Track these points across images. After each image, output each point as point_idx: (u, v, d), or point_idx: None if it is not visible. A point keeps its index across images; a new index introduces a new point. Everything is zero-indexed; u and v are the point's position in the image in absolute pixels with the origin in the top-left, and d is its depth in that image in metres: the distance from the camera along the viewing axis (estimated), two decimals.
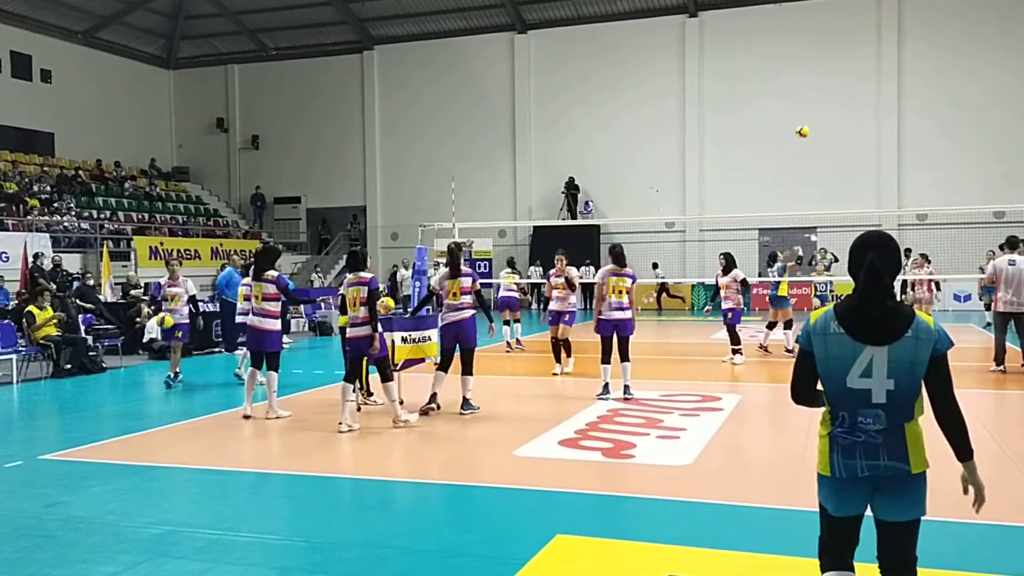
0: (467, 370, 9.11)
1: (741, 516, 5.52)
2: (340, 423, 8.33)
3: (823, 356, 3.04)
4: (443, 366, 9.22)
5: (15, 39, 27.44)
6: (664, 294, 27.12)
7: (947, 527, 5.27)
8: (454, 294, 9.03)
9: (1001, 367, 11.57)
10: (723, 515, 5.53)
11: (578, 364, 12.74)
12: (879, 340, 2.94)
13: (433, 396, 9.17)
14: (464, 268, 9.22)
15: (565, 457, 7.21)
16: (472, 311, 9.13)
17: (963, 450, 3.05)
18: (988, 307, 18.92)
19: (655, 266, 26.28)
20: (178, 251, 23.89)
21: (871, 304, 2.95)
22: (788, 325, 14.30)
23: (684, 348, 16.75)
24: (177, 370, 11.83)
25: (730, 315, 13.11)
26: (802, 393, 3.20)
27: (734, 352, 13.06)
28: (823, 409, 3.15)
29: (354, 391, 9.80)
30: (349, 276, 8.61)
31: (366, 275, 8.52)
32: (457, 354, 9.12)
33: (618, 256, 9.92)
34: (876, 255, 2.96)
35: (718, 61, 27.52)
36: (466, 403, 9.13)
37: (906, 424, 3.00)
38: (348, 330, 8.61)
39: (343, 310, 8.70)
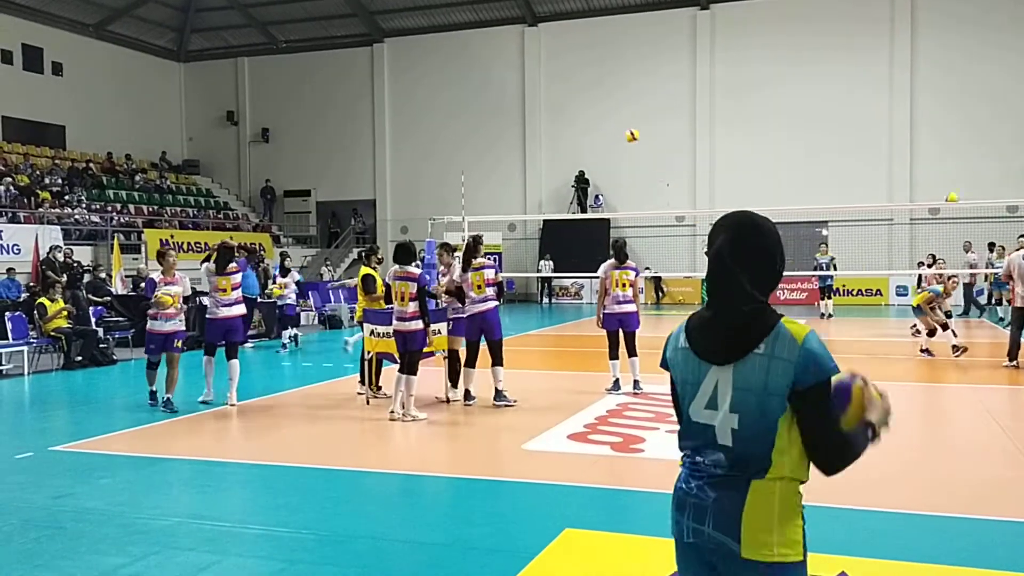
0: (497, 361, 9.11)
1: None
2: (404, 414, 8.48)
3: (676, 379, 2.29)
4: (470, 362, 9.24)
5: (27, 32, 27.52)
6: (659, 292, 27.11)
7: (958, 523, 5.23)
8: (478, 287, 9.06)
9: (1014, 363, 11.50)
10: None
11: (586, 358, 12.71)
12: (721, 358, 2.14)
13: (467, 393, 9.24)
14: (486, 260, 9.24)
15: (574, 451, 7.20)
16: (495, 303, 9.16)
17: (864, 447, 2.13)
18: (999, 302, 18.83)
19: (647, 269, 26.16)
20: (188, 244, 23.94)
21: (715, 308, 2.18)
22: None
23: None
24: (170, 395, 9.42)
25: None
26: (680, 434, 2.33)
27: None
28: None
29: (365, 385, 9.84)
30: (396, 269, 8.53)
31: (414, 270, 8.51)
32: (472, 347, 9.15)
33: (620, 251, 9.89)
34: (726, 242, 2.17)
35: (729, 55, 27.37)
36: (499, 395, 9.13)
37: (754, 482, 2.10)
38: (394, 323, 8.59)
39: (388, 300, 8.72)
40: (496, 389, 9.15)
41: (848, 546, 4.59)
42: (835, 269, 20.71)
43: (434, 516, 5.63)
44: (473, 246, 9.25)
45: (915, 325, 16.87)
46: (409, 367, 8.47)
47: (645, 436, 7.57)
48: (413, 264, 8.62)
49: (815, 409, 2.07)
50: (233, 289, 9.72)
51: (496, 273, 9.22)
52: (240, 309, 9.82)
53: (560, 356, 13.98)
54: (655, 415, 8.51)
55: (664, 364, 2.35)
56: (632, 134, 14.38)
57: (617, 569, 4.54)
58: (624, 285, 9.73)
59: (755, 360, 2.09)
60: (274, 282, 16.59)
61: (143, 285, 17.66)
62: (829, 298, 20.50)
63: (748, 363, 2.10)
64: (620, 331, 9.77)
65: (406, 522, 5.42)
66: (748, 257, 2.14)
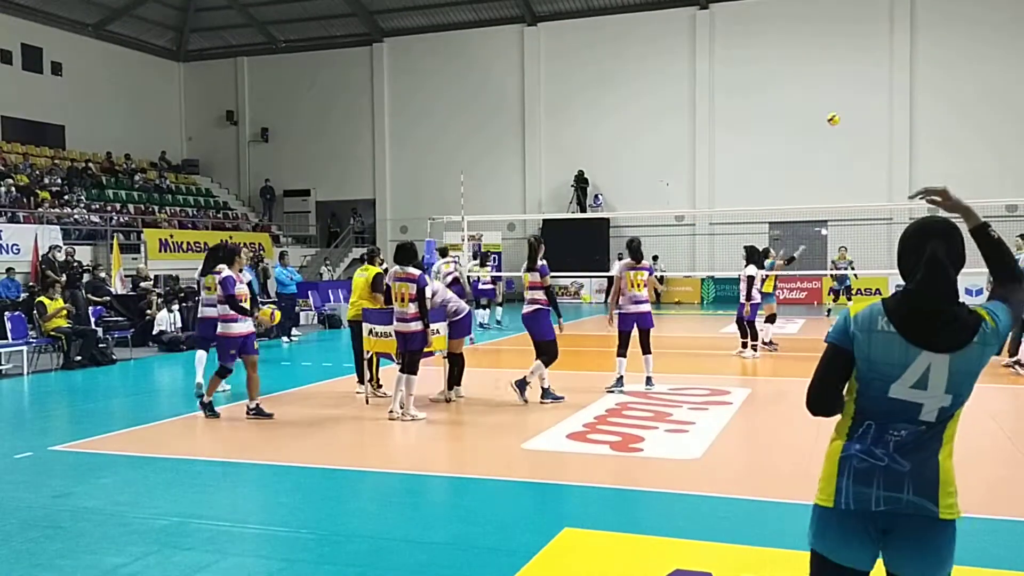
0: (548, 362, 9.24)
1: (750, 510, 5.50)
2: (403, 413, 8.49)
3: (864, 356, 2.43)
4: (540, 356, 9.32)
5: (26, 32, 27.52)
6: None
7: (961, 523, 5.23)
8: (527, 287, 9.28)
9: (1015, 361, 11.48)
10: (732, 509, 5.51)
11: (586, 358, 12.72)
12: (940, 346, 2.35)
13: (545, 389, 9.30)
14: (538, 263, 9.31)
15: (573, 450, 7.20)
16: (542, 305, 9.24)
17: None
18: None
19: (655, 258, 26.20)
20: (187, 243, 23.96)
21: (931, 303, 2.39)
22: (771, 319, 14.23)
23: (693, 342, 16.69)
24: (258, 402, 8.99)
25: (744, 309, 13.03)
26: (823, 399, 2.52)
27: (743, 346, 13.01)
28: (836, 419, 2.55)
29: (364, 384, 9.85)
30: (396, 269, 8.57)
31: (414, 271, 8.52)
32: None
33: (635, 251, 9.98)
34: (940, 245, 2.44)
35: (729, 54, 27.37)
36: (546, 392, 9.25)
37: (939, 454, 2.40)
38: (395, 324, 8.60)
39: (387, 301, 8.73)
40: (543, 388, 9.26)
41: None
42: (855, 275, 20.30)
43: (433, 515, 5.64)
44: (536, 246, 9.42)
45: None
46: (409, 367, 8.47)
47: (644, 435, 7.57)
48: (413, 265, 8.63)
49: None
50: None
51: (543, 276, 9.31)
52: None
53: (559, 355, 13.96)
54: (654, 414, 8.51)
55: (841, 339, 2.50)
56: (834, 118, 14.94)
57: (616, 568, 4.54)
58: (639, 285, 9.89)
59: (972, 350, 2.36)
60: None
61: (143, 284, 17.75)
62: (850, 299, 19.76)
63: (966, 353, 2.36)
64: (635, 330, 9.90)
65: (405, 521, 5.42)
66: (958, 260, 2.45)
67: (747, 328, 13.02)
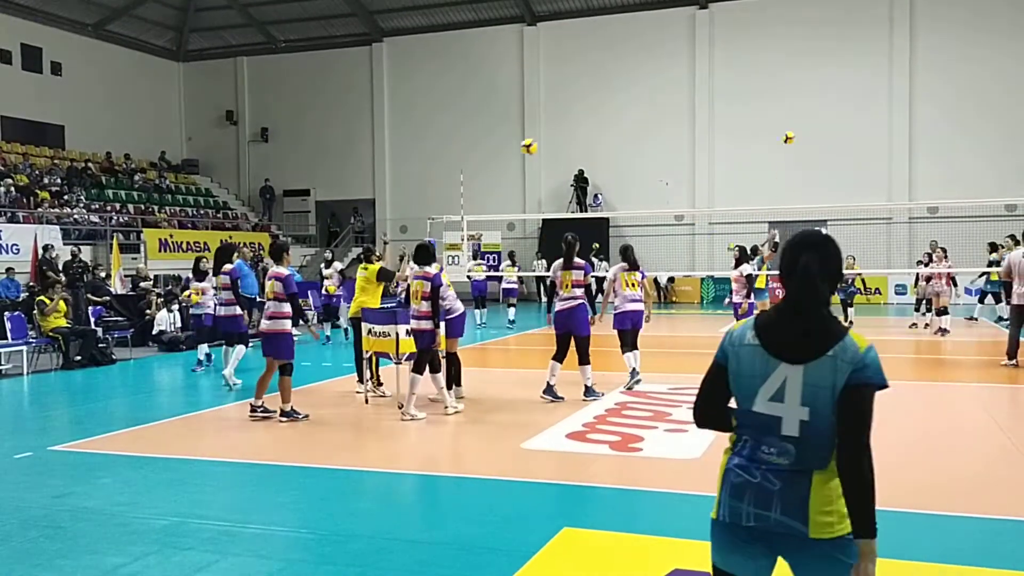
0: (583, 359, 9.38)
1: None
2: (446, 407, 8.69)
3: (734, 371, 2.48)
4: (559, 356, 9.45)
5: (26, 32, 27.51)
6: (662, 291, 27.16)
7: (956, 522, 5.24)
8: (566, 285, 9.39)
9: (1013, 361, 11.50)
10: None
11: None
12: (795, 357, 2.37)
13: (549, 387, 9.40)
14: (577, 261, 9.51)
15: (573, 450, 7.21)
16: (582, 301, 9.41)
17: (862, 521, 2.31)
18: (997, 299, 18.81)
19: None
20: (187, 243, 23.96)
21: (797, 313, 2.40)
22: None
23: (693, 341, 16.69)
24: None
25: (741, 308, 13.04)
26: (703, 413, 2.60)
27: None
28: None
29: (364, 384, 9.85)
30: (415, 268, 8.73)
31: (431, 270, 8.62)
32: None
33: (630, 258, 10.38)
34: (812, 258, 2.42)
35: (728, 53, 27.38)
36: (588, 390, 9.36)
37: (816, 473, 2.36)
38: (411, 322, 8.65)
39: (407, 302, 8.81)
40: (585, 386, 9.37)
41: None
42: (863, 285, 19.05)
43: (433, 515, 5.64)
44: (574, 244, 9.55)
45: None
46: (416, 365, 8.54)
47: (643, 435, 7.57)
48: (432, 264, 8.74)
49: (857, 406, 2.33)
50: (224, 290, 11.13)
51: (586, 275, 9.52)
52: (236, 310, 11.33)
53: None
54: (653, 414, 8.51)
55: (719, 355, 2.55)
56: (528, 147, 15.13)
57: (616, 568, 4.55)
58: (634, 285, 10.19)
59: (825, 362, 2.34)
60: (185, 287, 14.31)
61: (143, 284, 17.72)
62: (850, 306, 18.50)
63: (820, 363, 2.35)
64: (631, 327, 10.11)
65: (405, 521, 5.42)
66: (829, 273, 2.43)
67: None
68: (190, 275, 13.63)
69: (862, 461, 2.30)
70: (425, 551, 4.80)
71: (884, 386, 2.34)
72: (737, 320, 13.03)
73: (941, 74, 25.52)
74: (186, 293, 14.46)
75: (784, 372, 2.37)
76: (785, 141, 15.69)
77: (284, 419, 8.52)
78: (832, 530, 2.33)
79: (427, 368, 8.57)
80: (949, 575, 4.33)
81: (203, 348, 12.74)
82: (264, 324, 8.67)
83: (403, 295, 10.26)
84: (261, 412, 8.68)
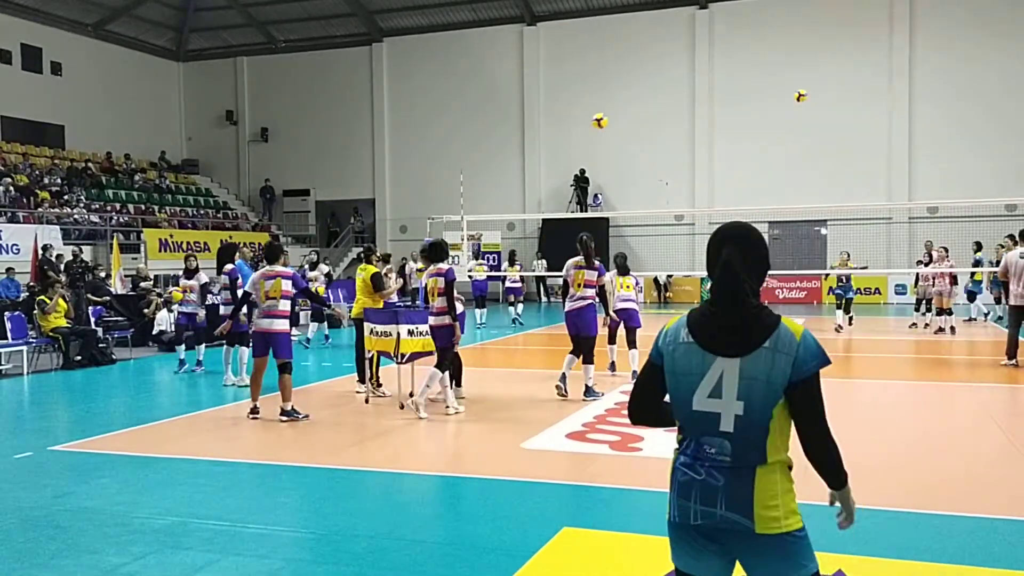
0: (587, 358, 9.44)
1: None
2: (447, 407, 8.75)
3: (671, 370, 2.46)
4: (576, 351, 9.56)
5: (26, 32, 27.52)
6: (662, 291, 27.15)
7: (956, 521, 5.24)
8: (578, 284, 9.46)
9: (1013, 361, 11.50)
10: None
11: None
12: (730, 351, 2.35)
13: (563, 377, 9.54)
14: (594, 262, 9.60)
15: (572, 450, 7.21)
16: (591, 302, 9.46)
17: (835, 480, 2.48)
18: (998, 300, 18.82)
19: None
20: (187, 243, 23.96)
21: (725, 308, 2.38)
22: None
23: None
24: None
25: None
26: (637, 410, 2.61)
27: None
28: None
29: (364, 384, 9.85)
30: (430, 267, 8.84)
31: (444, 266, 8.74)
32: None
33: (622, 267, 10.92)
34: (733, 251, 2.41)
35: (728, 53, 27.38)
36: (589, 390, 9.43)
37: (758, 467, 2.36)
38: (429, 319, 8.73)
39: (425, 301, 8.89)
40: (586, 385, 9.44)
41: (845, 544, 4.58)
42: (851, 288, 17.36)
43: (432, 515, 5.64)
44: (588, 244, 9.63)
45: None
46: (438, 360, 8.65)
47: (643, 435, 7.57)
48: (444, 261, 8.86)
49: (807, 397, 2.36)
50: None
51: (599, 276, 9.60)
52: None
53: (558, 355, 13.97)
54: None
55: (653, 354, 2.54)
56: (599, 122, 15.13)
57: (615, 568, 4.55)
58: (628, 287, 10.82)
59: (762, 354, 2.34)
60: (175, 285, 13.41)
61: (143, 284, 17.71)
62: (849, 311, 16.95)
63: (755, 356, 2.34)
64: (621, 324, 10.60)
65: (404, 521, 5.42)
66: (753, 265, 2.42)
67: None
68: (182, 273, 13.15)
69: (827, 445, 2.40)
70: (425, 551, 4.80)
71: (826, 365, 2.36)
72: None
73: (941, 74, 25.52)
74: (171, 290, 13.52)
75: (721, 367, 2.36)
76: (798, 99, 15.72)
77: (284, 418, 8.51)
78: (779, 525, 2.34)
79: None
80: (948, 575, 4.33)
81: (181, 348, 12.63)
82: (263, 323, 8.60)
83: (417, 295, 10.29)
84: (252, 414, 8.72)
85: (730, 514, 2.35)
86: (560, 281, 27.61)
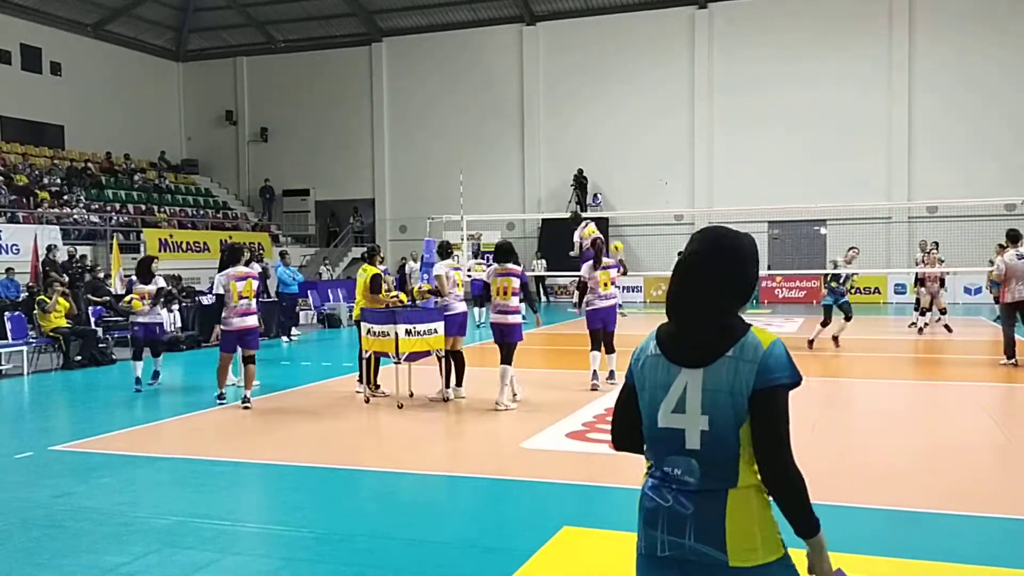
0: (612, 349, 10.27)
1: None
2: (497, 403, 8.96)
3: (640, 385, 2.28)
4: (595, 346, 10.19)
5: (25, 32, 27.50)
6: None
7: (955, 521, 5.25)
8: (605, 283, 10.12)
9: (1012, 360, 11.50)
10: None
11: (584, 357, 12.68)
12: (693, 360, 2.16)
13: (594, 373, 10.06)
14: (609, 260, 10.35)
15: (572, 449, 7.22)
16: (616, 300, 10.35)
17: (801, 524, 2.12)
18: (997, 300, 18.82)
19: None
20: (187, 243, 23.97)
21: (688, 318, 2.20)
22: None
23: None
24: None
25: None
26: (617, 434, 2.41)
27: None
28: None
29: (364, 384, 9.86)
30: (496, 267, 9.30)
31: (515, 267, 9.25)
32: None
33: (597, 254, 10.99)
34: (695, 252, 2.22)
35: (727, 54, 27.37)
36: (613, 374, 10.24)
37: (730, 491, 2.12)
38: (493, 315, 9.18)
39: (487, 299, 9.42)
40: (611, 371, 10.21)
41: (845, 544, 4.59)
42: (850, 287, 14.95)
43: (433, 514, 5.65)
44: (602, 246, 10.49)
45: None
46: (508, 358, 9.02)
47: None
48: (512, 261, 9.27)
49: (766, 414, 2.10)
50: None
51: (618, 272, 10.46)
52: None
53: (558, 354, 13.98)
54: None
55: (628, 374, 2.36)
56: None
57: (615, 567, 4.55)
58: (606, 285, 10.92)
59: (725, 363, 2.12)
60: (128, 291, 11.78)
61: (256, 274, 17.14)
62: (849, 318, 13.89)
63: (718, 365, 2.13)
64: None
65: (405, 520, 5.43)
66: (717, 267, 2.19)
67: None
68: (133, 276, 11.53)
69: (786, 478, 2.09)
70: (425, 550, 4.81)
71: (795, 383, 2.12)
72: None
73: (941, 70, 25.49)
74: (128, 298, 11.40)
75: (684, 379, 2.16)
76: None
77: (247, 405, 9.21)
78: (755, 557, 2.09)
79: (458, 365, 9.45)
80: (947, 574, 4.34)
81: (139, 365, 10.95)
82: (236, 322, 9.33)
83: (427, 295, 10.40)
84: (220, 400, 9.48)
85: (699, 545, 2.10)
86: (560, 280, 27.70)
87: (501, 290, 9.19)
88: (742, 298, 2.23)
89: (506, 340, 9.09)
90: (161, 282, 11.49)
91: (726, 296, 2.19)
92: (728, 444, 2.11)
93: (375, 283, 9.95)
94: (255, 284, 9.55)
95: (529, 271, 24.90)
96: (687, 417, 2.15)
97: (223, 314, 9.38)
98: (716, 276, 2.19)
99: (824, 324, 13.63)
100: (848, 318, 13.43)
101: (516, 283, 9.16)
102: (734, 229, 2.28)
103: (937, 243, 17.63)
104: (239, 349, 9.51)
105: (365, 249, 11.06)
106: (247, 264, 9.96)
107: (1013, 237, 11.73)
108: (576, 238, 13.90)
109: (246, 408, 9.17)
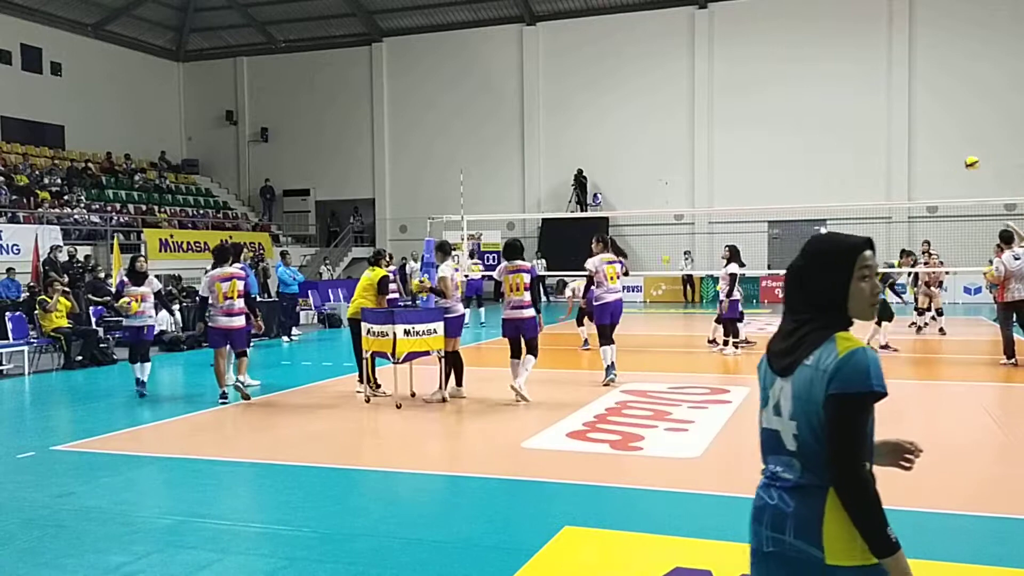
0: (611, 340, 10.46)
1: (749, 508, 5.52)
2: (512, 386, 9.23)
3: (760, 386, 2.41)
4: (606, 341, 10.39)
5: (25, 32, 27.51)
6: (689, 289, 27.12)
7: (955, 520, 5.26)
8: (612, 278, 10.43)
9: (1012, 360, 11.51)
10: (731, 507, 5.53)
11: (584, 356, 12.70)
12: (781, 368, 2.25)
13: (608, 369, 10.28)
14: (613, 256, 10.69)
15: (573, 449, 7.22)
16: (620, 294, 10.62)
17: (869, 540, 2.07)
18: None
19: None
20: (188, 243, 23.98)
21: (785, 321, 2.29)
22: (741, 317, 13.95)
23: (692, 340, 16.72)
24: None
25: (723, 306, 13.10)
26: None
27: (724, 343, 13.12)
28: None
29: (364, 384, 9.87)
30: (506, 264, 9.50)
31: (525, 263, 9.51)
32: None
33: (606, 245, 11.14)
34: (796, 260, 2.29)
35: (727, 53, 27.38)
36: (612, 366, 10.36)
37: (829, 493, 2.13)
38: (507, 311, 9.42)
39: (503, 295, 9.66)
40: (612, 362, 10.31)
41: None
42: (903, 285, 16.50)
43: (434, 514, 5.66)
44: (612, 245, 10.80)
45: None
46: (532, 350, 9.36)
47: (644, 434, 7.59)
48: (521, 258, 9.48)
49: (833, 420, 2.09)
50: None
51: (621, 267, 10.75)
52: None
53: (558, 354, 13.99)
54: (654, 413, 8.53)
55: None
56: (974, 163, 13.93)
57: (617, 567, 4.57)
58: (613, 278, 10.94)
59: (804, 372, 2.17)
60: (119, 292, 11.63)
61: (246, 276, 17.07)
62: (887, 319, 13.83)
63: (800, 373, 2.18)
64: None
65: (406, 520, 5.44)
66: (799, 275, 2.26)
67: (727, 326, 13.13)
68: (124, 278, 11.28)
69: (851, 480, 2.07)
70: (426, 550, 4.82)
71: (867, 393, 2.07)
72: (718, 318, 13.19)
73: (941, 71, 25.51)
74: (123, 300, 10.96)
75: (780, 385, 2.24)
76: (969, 166, 13.99)
77: (240, 385, 9.60)
78: (851, 557, 2.08)
79: (455, 366, 9.59)
80: (948, 573, 4.35)
81: (139, 367, 10.49)
82: (223, 321, 9.58)
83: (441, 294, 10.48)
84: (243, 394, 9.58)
85: (798, 542, 2.14)
86: (558, 280, 27.68)
87: (513, 286, 9.35)
88: (820, 307, 2.22)
89: (522, 335, 9.30)
90: (156, 283, 11.05)
91: (807, 299, 2.24)
92: (819, 447, 2.14)
93: (383, 284, 10.08)
94: (239, 284, 9.69)
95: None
96: (782, 420, 2.24)
97: (211, 312, 9.66)
98: (794, 285, 2.28)
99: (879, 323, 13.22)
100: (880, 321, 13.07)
101: (527, 278, 9.36)
102: (835, 233, 2.30)
103: (928, 242, 17.62)
104: (229, 347, 9.84)
105: (371, 253, 11.18)
106: (232, 264, 10.03)
107: (1006, 238, 11.72)
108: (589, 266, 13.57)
109: (238, 389, 9.53)
